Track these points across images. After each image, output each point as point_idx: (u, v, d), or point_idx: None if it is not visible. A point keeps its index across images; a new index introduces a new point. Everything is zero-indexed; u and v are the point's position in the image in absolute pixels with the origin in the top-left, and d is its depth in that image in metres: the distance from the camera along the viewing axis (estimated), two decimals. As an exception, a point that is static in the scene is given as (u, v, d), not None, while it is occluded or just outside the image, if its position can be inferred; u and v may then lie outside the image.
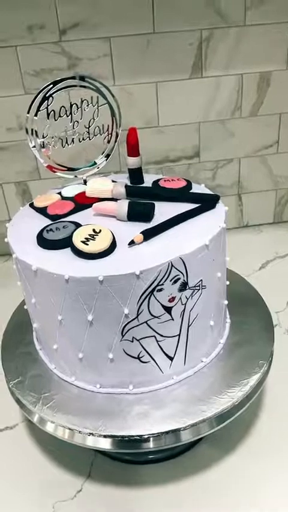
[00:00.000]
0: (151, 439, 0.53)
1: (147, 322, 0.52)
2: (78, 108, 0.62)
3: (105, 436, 0.53)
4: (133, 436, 0.52)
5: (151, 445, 0.53)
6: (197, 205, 0.58)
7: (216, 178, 1.04)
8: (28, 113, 0.60)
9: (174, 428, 0.53)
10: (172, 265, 0.50)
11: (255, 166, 1.04)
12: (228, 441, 0.63)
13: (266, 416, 0.67)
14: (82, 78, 0.62)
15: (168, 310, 0.53)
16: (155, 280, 0.50)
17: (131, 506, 0.58)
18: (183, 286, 0.52)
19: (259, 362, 0.59)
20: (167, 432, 0.53)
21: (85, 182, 0.67)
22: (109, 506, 0.58)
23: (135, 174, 0.65)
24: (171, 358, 0.56)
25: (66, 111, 0.62)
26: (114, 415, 0.54)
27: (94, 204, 0.58)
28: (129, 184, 0.64)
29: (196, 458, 0.62)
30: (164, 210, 0.57)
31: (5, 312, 0.72)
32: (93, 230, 0.53)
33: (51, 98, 0.60)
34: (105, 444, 0.53)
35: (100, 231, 0.53)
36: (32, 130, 0.62)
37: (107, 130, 0.66)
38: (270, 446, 0.63)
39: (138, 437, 0.52)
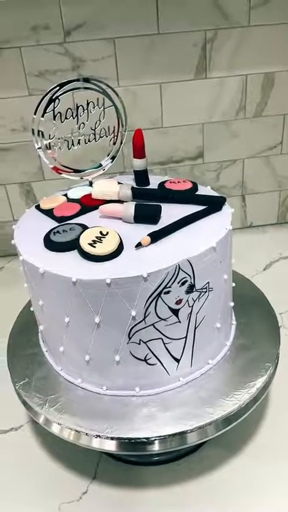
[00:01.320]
0: (157, 441, 0.53)
1: (154, 324, 0.52)
2: (84, 110, 0.62)
3: (111, 438, 0.53)
4: (140, 438, 0.52)
5: (157, 447, 0.53)
6: (203, 207, 0.58)
7: (220, 179, 1.04)
8: (34, 115, 0.60)
9: (180, 430, 0.53)
10: (179, 268, 0.51)
11: (259, 167, 1.04)
12: (234, 443, 0.64)
13: (272, 417, 0.67)
14: (88, 80, 0.62)
15: (175, 312, 0.53)
16: (163, 282, 0.50)
17: (136, 507, 0.58)
18: (191, 289, 0.53)
19: (265, 364, 0.59)
20: (173, 435, 0.53)
21: (91, 184, 0.67)
22: (114, 507, 0.58)
23: (141, 176, 0.65)
24: (177, 361, 0.56)
25: (72, 113, 0.62)
26: (121, 417, 0.54)
27: (100, 206, 0.58)
28: (135, 186, 0.64)
29: (202, 460, 0.62)
30: (170, 212, 0.57)
31: (11, 313, 0.72)
32: (100, 232, 0.53)
33: (57, 100, 0.60)
34: (112, 446, 0.54)
35: (107, 233, 0.53)
36: (38, 132, 0.62)
37: (113, 132, 0.66)
38: (277, 447, 0.63)
39: (144, 440, 0.53)
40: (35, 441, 0.66)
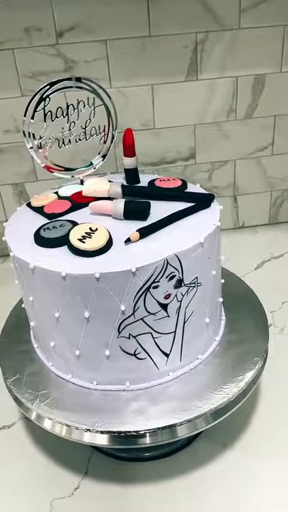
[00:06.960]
0: (147, 434, 0.53)
1: (143, 318, 0.53)
2: (74, 109, 0.63)
3: (102, 432, 0.53)
4: (130, 431, 0.53)
5: (148, 440, 0.54)
6: (192, 204, 0.59)
7: (212, 179, 1.05)
8: (25, 114, 0.61)
9: (170, 423, 0.53)
10: (168, 262, 0.51)
11: (250, 168, 1.05)
12: (226, 437, 0.64)
13: (262, 412, 0.67)
14: (78, 80, 0.63)
15: (164, 306, 0.53)
16: (151, 277, 0.51)
17: (128, 502, 0.58)
18: (179, 283, 0.53)
19: (254, 359, 0.60)
20: (163, 428, 0.53)
21: (82, 182, 0.68)
22: (106, 502, 0.58)
23: (131, 174, 0.66)
24: (167, 355, 0.57)
25: (62, 112, 0.63)
26: (111, 412, 0.55)
27: (91, 203, 0.59)
28: (125, 184, 0.65)
29: (194, 454, 0.63)
30: (159, 209, 0.58)
31: (2, 311, 0.73)
32: (90, 228, 0.54)
33: (48, 99, 0.61)
34: (102, 440, 0.54)
35: (96, 229, 0.54)
36: (29, 131, 0.62)
37: (103, 131, 0.66)
38: (269, 442, 0.63)
39: (135, 433, 0.53)
40: (27, 438, 0.67)
